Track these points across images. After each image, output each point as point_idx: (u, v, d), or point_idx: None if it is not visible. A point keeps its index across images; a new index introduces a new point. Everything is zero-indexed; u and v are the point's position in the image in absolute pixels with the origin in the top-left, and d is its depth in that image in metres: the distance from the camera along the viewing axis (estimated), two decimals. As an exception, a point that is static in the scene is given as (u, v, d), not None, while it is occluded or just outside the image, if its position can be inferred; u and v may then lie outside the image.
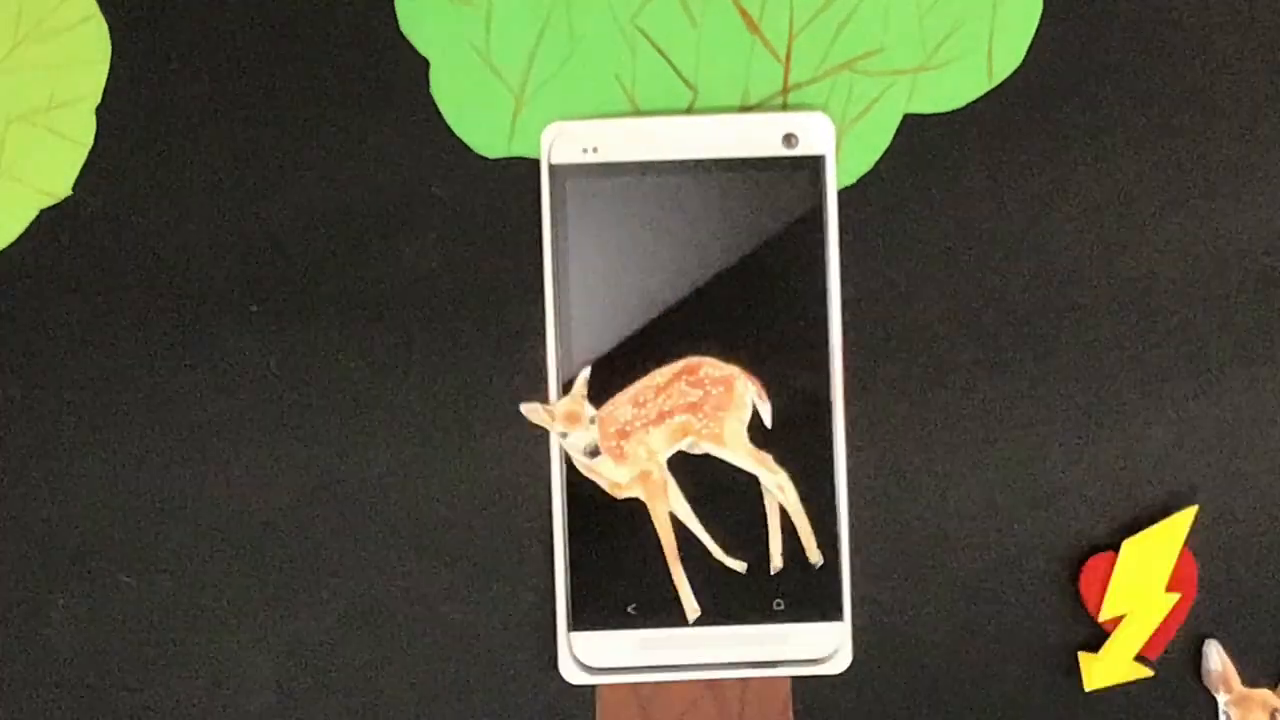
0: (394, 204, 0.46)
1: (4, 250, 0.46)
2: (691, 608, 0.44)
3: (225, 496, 0.47)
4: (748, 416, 0.45)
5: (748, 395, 0.44)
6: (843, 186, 0.46)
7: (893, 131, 0.46)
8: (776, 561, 0.45)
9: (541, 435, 0.46)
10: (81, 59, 0.47)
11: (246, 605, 0.47)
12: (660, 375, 0.45)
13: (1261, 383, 0.46)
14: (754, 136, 0.45)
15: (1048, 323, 0.46)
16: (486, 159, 0.46)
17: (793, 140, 0.45)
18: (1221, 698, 0.46)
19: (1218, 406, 0.46)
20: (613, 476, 0.44)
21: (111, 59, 0.47)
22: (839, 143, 0.46)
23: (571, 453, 0.44)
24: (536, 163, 0.46)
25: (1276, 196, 0.46)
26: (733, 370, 0.44)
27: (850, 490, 0.45)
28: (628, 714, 0.46)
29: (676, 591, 0.45)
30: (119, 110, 0.47)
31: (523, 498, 0.46)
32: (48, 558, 0.47)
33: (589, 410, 0.44)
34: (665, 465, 0.44)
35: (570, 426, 0.44)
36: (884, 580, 0.46)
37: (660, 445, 0.45)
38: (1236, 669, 0.46)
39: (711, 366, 0.44)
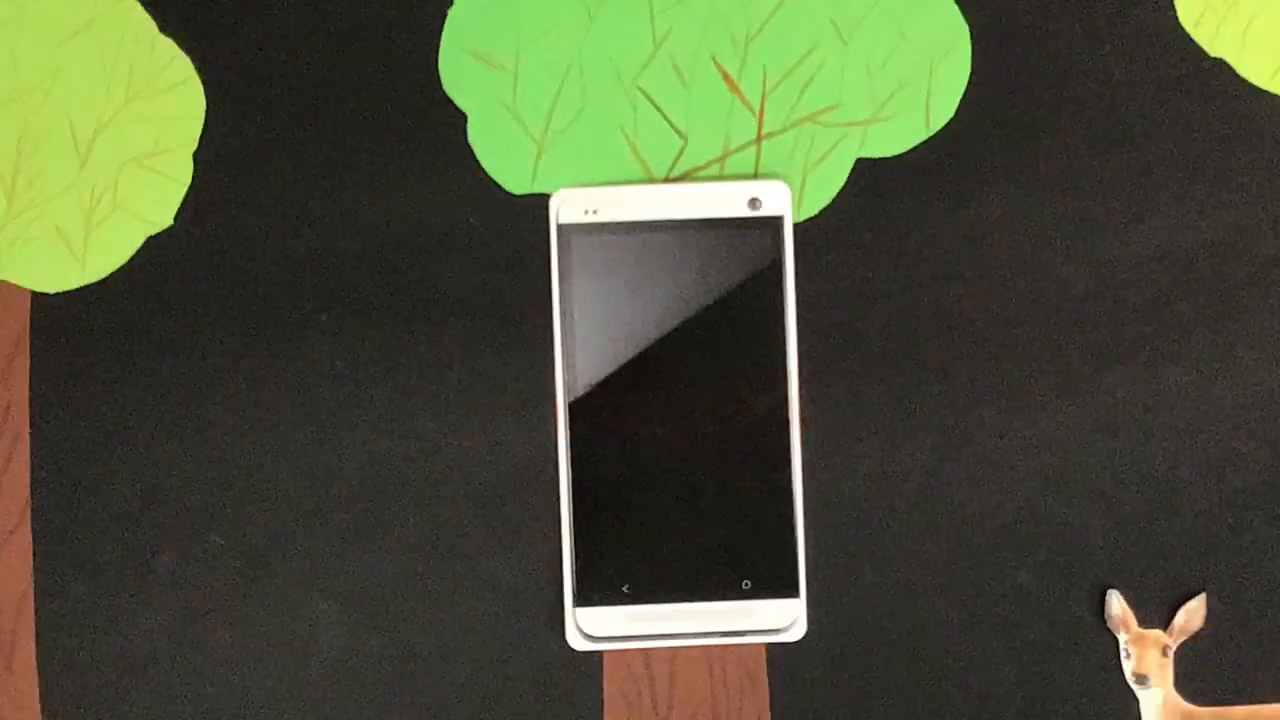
0: (437, 232, 0.48)
1: (116, 271, 0.48)
2: None
3: (298, 471, 0.48)
4: None
5: None
6: (806, 217, 0.48)
7: (847, 172, 0.48)
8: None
9: (551, 437, 0.47)
10: (181, 113, 0.48)
11: (315, 560, 0.47)
12: None
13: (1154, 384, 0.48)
14: (725, 200, 0.47)
15: (984, 339, 0.48)
16: (513, 195, 0.48)
17: (757, 203, 0.47)
18: (1122, 637, 0.47)
19: (1105, 411, 0.47)
20: None
21: (206, 113, 0.48)
22: (804, 182, 0.48)
23: None
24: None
25: (1163, 232, 0.47)
26: None
27: (805, 489, 0.47)
28: (631, 670, 0.47)
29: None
30: (212, 155, 0.48)
31: (537, 489, 0.48)
32: (155, 521, 0.47)
33: None
34: None
35: None
36: (834, 563, 0.47)
37: None
38: (1134, 613, 0.47)
39: None
